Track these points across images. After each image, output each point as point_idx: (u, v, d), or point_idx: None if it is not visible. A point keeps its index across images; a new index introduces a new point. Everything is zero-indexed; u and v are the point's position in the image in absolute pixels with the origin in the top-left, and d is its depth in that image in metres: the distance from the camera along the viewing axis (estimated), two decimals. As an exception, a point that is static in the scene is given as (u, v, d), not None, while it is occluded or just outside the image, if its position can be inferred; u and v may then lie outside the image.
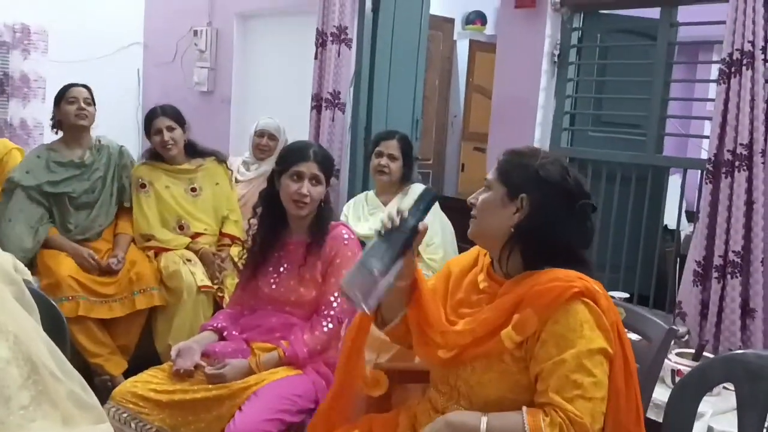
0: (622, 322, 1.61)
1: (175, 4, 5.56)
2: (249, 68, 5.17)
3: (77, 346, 3.18)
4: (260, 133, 3.96)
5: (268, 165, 3.58)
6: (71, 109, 3.34)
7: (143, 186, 3.49)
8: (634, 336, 2.13)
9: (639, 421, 1.59)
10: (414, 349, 1.75)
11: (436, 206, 3.13)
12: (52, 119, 3.44)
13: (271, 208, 2.39)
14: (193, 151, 3.59)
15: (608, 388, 1.52)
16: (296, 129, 4.09)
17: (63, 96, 3.37)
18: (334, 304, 2.28)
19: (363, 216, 3.43)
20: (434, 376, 1.74)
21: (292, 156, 2.34)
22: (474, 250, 1.80)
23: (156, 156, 3.54)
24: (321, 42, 4.06)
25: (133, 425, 2.10)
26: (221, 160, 3.66)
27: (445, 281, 1.79)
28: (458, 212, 3.47)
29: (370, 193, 3.49)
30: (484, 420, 1.51)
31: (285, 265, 2.36)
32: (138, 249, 3.49)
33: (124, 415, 2.11)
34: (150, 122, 3.48)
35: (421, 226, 1.60)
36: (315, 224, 2.35)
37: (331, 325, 2.27)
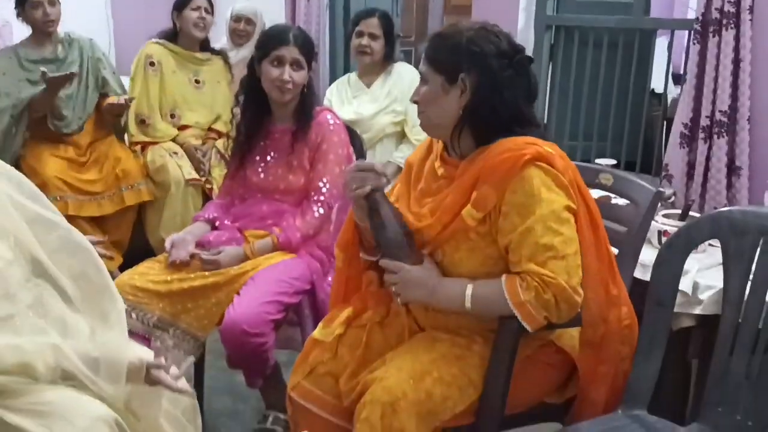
0: (582, 179, 1.65)
1: None
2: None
3: (70, 245, 3.21)
4: (237, 18, 3.84)
5: (247, 50, 3.53)
6: (37, 14, 3.22)
7: (152, 64, 3.46)
8: (622, 200, 2.17)
9: (612, 269, 1.66)
10: None
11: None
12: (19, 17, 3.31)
13: (253, 96, 2.34)
14: (205, 45, 3.59)
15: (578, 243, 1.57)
16: (272, 13, 3.95)
17: None
18: (324, 189, 2.28)
19: (347, 99, 3.36)
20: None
21: (271, 41, 2.28)
22: (426, 140, 1.80)
23: (170, 38, 3.51)
24: None
25: (134, 315, 2.14)
26: (227, 61, 3.65)
27: (407, 176, 1.80)
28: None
29: (353, 75, 3.41)
30: (469, 287, 1.57)
31: (272, 154, 2.35)
32: (123, 145, 3.48)
33: (127, 307, 2.15)
34: None
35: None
36: (299, 111, 2.32)
37: (321, 210, 2.28)
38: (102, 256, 1.57)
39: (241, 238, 2.31)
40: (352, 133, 2.55)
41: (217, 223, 2.37)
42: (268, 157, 2.35)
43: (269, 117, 2.36)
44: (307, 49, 2.29)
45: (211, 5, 3.49)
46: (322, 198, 2.27)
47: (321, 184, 2.28)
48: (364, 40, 3.25)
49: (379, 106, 3.24)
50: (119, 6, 4.81)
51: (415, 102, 1.67)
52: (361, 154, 2.59)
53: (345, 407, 1.65)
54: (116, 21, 4.81)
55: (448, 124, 1.62)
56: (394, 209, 1.65)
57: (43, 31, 3.28)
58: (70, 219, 3.17)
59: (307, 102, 2.32)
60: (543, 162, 1.54)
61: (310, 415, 1.70)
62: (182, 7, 3.44)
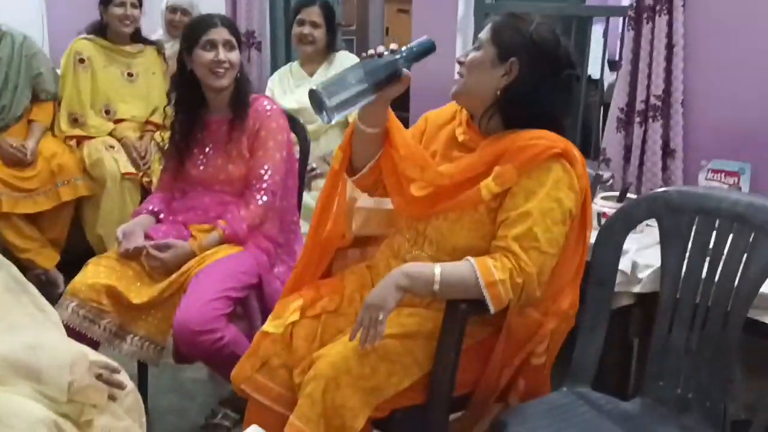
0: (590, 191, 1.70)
1: None
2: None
3: (5, 244, 3.12)
4: (172, 9, 3.77)
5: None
6: None
7: (82, 61, 3.36)
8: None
9: (576, 280, 1.71)
10: (390, 197, 1.76)
11: None
12: None
13: (185, 90, 2.30)
14: (137, 36, 3.49)
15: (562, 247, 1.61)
16: (212, 4, 3.88)
17: None
18: (266, 177, 2.25)
19: (289, 89, 3.32)
20: (401, 223, 1.77)
21: (198, 27, 2.25)
22: (451, 106, 1.80)
23: (98, 32, 3.41)
24: None
25: (92, 322, 2.12)
26: (160, 51, 3.57)
27: (419, 134, 1.81)
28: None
29: (295, 65, 3.37)
30: (437, 267, 1.56)
31: (210, 145, 2.31)
32: (58, 139, 3.37)
33: (82, 311, 2.11)
34: None
35: (404, 75, 1.58)
36: (234, 98, 2.29)
37: (265, 198, 2.25)
38: None
39: (188, 233, 2.27)
40: (294, 122, 2.53)
41: (161, 216, 2.33)
42: (207, 149, 2.31)
43: (204, 109, 2.32)
44: (235, 30, 2.31)
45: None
46: (264, 185, 2.24)
47: (262, 172, 2.25)
48: (306, 29, 3.22)
49: None
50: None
51: (459, 62, 1.68)
52: (305, 144, 2.57)
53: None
54: (51, 16, 4.64)
55: (481, 97, 1.64)
56: None
57: None
58: (4, 216, 3.09)
59: (242, 89, 2.29)
60: (568, 161, 1.59)
61: (262, 408, 1.68)
62: (108, 2, 3.33)
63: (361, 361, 1.55)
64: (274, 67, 3.90)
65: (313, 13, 3.21)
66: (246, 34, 3.90)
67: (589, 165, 2.12)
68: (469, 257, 1.57)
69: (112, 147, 3.30)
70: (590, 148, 3.18)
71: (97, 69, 3.38)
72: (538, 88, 1.61)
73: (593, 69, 3.47)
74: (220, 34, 2.22)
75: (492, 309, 1.55)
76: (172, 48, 3.72)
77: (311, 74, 3.29)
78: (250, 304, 2.19)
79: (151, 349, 2.17)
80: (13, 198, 3.15)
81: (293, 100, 3.22)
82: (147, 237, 2.25)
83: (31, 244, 3.23)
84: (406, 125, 3.40)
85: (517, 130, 1.63)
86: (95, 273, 2.16)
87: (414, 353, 1.62)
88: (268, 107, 2.30)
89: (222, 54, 2.21)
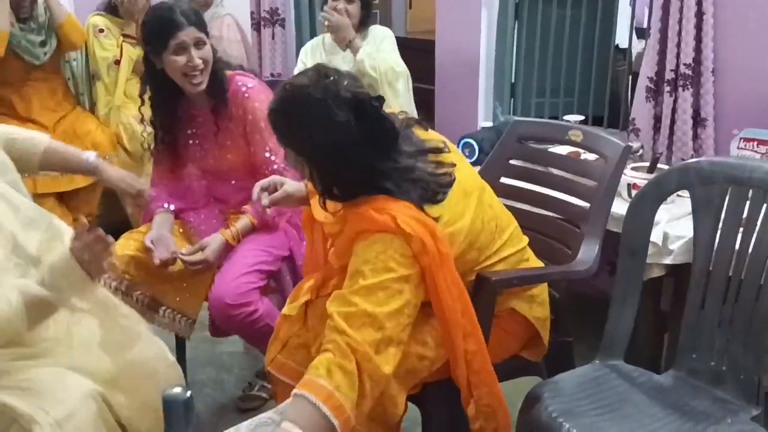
0: (442, 224, 1.53)
1: None
2: None
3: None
4: None
5: (212, 10, 3.62)
6: None
7: (101, 31, 3.43)
8: (591, 156, 2.20)
9: (467, 310, 1.56)
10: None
11: (390, 46, 3.04)
12: None
13: (159, 88, 2.18)
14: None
15: (432, 297, 1.50)
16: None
17: None
18: (272, 157, 2.16)
19: (322, 60, 3.17)
20: None
21: (164, 29, 2.06)
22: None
23: (110, 11, 3.47)
24: None
25: (126, 294, 2.15)
26: None
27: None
28: (410, 51, 3.41)
29: (327, 37, 3.20)
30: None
31: (201, 137, 2.24)
32: (92, 117, 3.45)
33: (114, 283, 2.13)
34: None
35: None
36: (211, 86, 2.14)
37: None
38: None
39: (220, 218, 2.28)
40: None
41: (176, 210, 2.31)
42: (200, 141, 2.25)
43: (184, 102, 2.22)
44: (200, 20, 2.13)
45: None
46: (274, 167, 2.16)
47: (267, 155, 2.17)
48: (340, 4, 3.01)
49: (356, 71, 3.13)
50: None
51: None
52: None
53: None
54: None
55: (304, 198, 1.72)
56: None
57: None
58: (38, 197, 3.15)
59: (217, 76, 2.15)
60: (390, 232, 1.44)
61: (287, 387, 1.66)
62: None
63: None
64: (300, 44, 3.89)
65: None
66: (269, 11, 3.89)
67: (617, 136, 2.12)
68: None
69: (142, 122, 3.34)
70: (619, 117, 3.15)
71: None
72: (325, 165, 1.50)
73: (621, 38, 3.43)
74: (189, 34, 2.06)
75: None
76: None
77: (344, 48, 3.08)
78: (283, 278, 2.22)
79: (183, 321, 2.23)
80: (49, 177, 3.16)
81: None
82: (186, 223, 2.28)
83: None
84: (430, 99, 3.39)
85: (351, 204, 1.53)
86: (125, 245, 2.19)
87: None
88: (244, 88, 2.17)
89: (195, 56, 2.06)
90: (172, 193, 2.32)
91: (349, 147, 1.45)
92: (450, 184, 1.54)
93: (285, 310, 1.77)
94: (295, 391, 1.37)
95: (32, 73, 3.28)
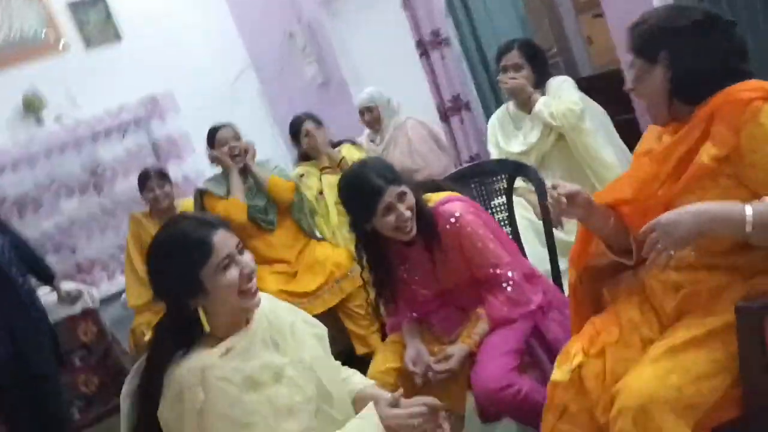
0: None
1: (263, 19, 5.76)
2: (349, 46, 5.22)
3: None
4: (360, 113, 4.17)
5: (389, 131, 4.01)
6: (224, 152, 3.62)
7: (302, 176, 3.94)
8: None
9: None
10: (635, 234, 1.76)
11: (578, 92, 3.05)
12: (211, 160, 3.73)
13: (371, 247, 2.28)
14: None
15: None
16: (413, 80, 4.16)
17: (213, 143, 3.66)
18: (497, 270, 2.23)
19: (512, 132, 3.27)
20: None
21: (365, 200, 2.13)
22: (646, 135, 1.87)
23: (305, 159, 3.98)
24: (405, -10, 4.10)
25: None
26: (354, 143, 4.15)
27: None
28: (601, 89, 3.34)
29: (510, 105, 3.30)
30: (748, 207, 1.47)
31: (419, 272, 2.32)
32: (321, 241, 3.80)
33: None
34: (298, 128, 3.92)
35: None
36: (419, 227, 2.19)
37: (510, 285, 2.24)
38: None
39: (458, 312, 2.34)
40: (524, 168, 2.58)
41: (420, 318, 2.39)
42: (418, 276, 2.32)
43: (396, 250, 2.30)
44: (394, 173, 2.17)
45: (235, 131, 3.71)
46: (502, 278, 2.22)
47: (491, 270, 2.24)
48: (510, 74, 3.14)
49: (543, 127, 3.13)
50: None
51: (630, 90, 1.77)
52: (540, 183, 2.60)
53: None
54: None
55: (662, 100, 1.69)
56: None
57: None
58: None
59: (422, 212, 2.20)
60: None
61: None
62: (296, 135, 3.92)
63: (664, 383, 1.50)
64: (488, 118, 4.01)
65: (513, 56, 3.14)
66: (451, 99, 4.10)
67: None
68: None
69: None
70: None
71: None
72: (698, 55, 1.64)
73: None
74: (392, 194, 2.12)
75: None
76: (383, 138, 4.12)
77: (529, 110, 3.17)
78: (535, 351, 2.24)
79: (453, 418, 2.27)
80: (302, 304, 3.39)
81: (519, 143, 3.20)
82: (431, 326, 2.36)
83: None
84: (632, 127, 3.34)
85: (706, 102, 1.63)
86: (385, 359, 2.32)
87: (715, 356, 1.54)
88: (452, 219, 2.21)
89: (403, 211, 2.13)
90: (409, 305, 2.41)
91: (709, 52, 1.64)
92: None
93: (555, 376, 1.75)
94: None
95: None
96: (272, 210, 3.70)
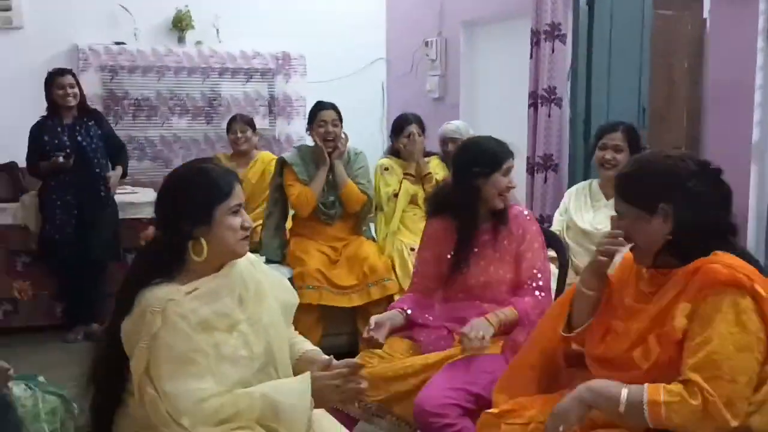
0: None
1: (410, 19, 6.02)
2: (474, 73, 5.43)
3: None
4: (444, 142, 4.22)
5: None
6: (320, 132, 3.81)
7: (386, 168, 4.04)
8: None
9: None
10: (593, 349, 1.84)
11: None
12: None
13: (466, 210, 2.51)
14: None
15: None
16: (516, 128, 4.27)
17: (314, 119, 3.85)
18: (539, 275, 2.42)
19: (585, 207, 3.32)
20: None
21: (497, 154, 2.48)
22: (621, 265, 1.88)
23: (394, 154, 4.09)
24: (535, 41, 4.20)
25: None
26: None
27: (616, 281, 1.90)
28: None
29: (594, 183, 3.34)
30: (625, 390, 1.58)
31: (475, 250, 2.49)
32: (372, 244, 3.92)
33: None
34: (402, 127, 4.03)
35: None
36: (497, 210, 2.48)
37: (543, 294, 2.40)
38: None
39: (449, 337, 2.42)
40: (556, 241, 2.67)
41: (412, 318, 2.51)
42: (470, 254, 2.49)
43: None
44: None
45: (339, 115, 3.84)
46: (540, 283, 2.42)
47: (535, 272, 2.44)
48: (608, 154, 3.16)
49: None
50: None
51: (621, 237, 1.76)
52: (564, 257, 2.69)
53: None
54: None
55: (656, 248, 1.71)
56: None
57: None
58: (309, 309, 3.54)
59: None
60: (740, 287, 1.56)
61: None
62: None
63: None
64: (571, 183, 4.06)
65: (616, 138, 3.17)
66: (543, 156, 4.18)
67: None
68: (645, 385, 1.57)
69: (413, 250, 3.69)
70: None
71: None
72: (698, 213, 1.65)
73: None
74: (511, 162, 2.50)
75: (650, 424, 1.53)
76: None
77: (609, 196, 3.20)
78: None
79: (406, 429, 2.33)
80: (332, 294, 3.67)
81: (586, 221, 3.24)
82: (414, 340, 2.47)
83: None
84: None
85: (685, 265, 1.65)
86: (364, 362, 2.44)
87: None
88: (526, 212, 2.54)
89: (513, 181, 2.49)
90: (418, 304, 2.55)
91: (707, 203, 1.66)
92: None
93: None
94: None
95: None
96: (339, 207, 3.89)
